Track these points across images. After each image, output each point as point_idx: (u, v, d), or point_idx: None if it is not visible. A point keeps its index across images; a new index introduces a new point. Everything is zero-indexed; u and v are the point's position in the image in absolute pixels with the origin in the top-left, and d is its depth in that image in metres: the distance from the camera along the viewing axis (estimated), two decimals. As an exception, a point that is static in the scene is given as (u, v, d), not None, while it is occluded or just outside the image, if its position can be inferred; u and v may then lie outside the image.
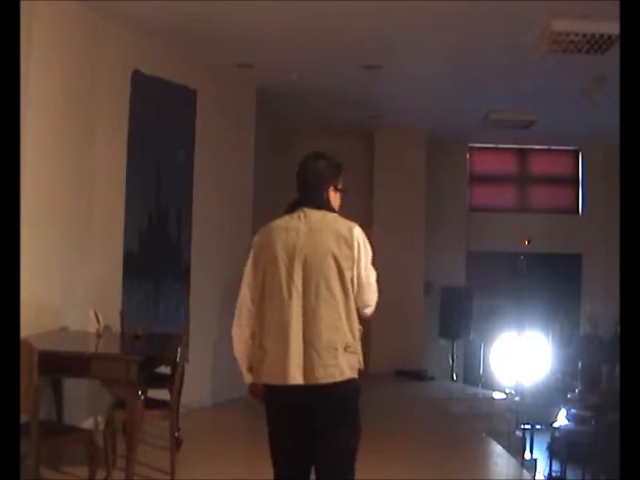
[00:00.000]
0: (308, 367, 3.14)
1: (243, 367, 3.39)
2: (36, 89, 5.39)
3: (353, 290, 3.25)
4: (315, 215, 3.35)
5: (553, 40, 6.13)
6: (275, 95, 8.76)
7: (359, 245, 3.30)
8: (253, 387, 3.36)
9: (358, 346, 3.24)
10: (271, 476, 3.33)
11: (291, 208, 3.42)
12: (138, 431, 4.63)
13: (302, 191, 3.49)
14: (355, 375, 3.23)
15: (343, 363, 3.17)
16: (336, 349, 3.16)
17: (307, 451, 3.24)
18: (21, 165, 4.30)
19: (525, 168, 12.24)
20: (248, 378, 3.37)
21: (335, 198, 3.50)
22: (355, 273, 3.27)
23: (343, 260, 3.24)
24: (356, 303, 3.27)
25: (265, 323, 3.27)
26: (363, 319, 3.34)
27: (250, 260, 3.40)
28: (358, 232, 3.32)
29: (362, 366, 3.26)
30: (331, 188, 3.52)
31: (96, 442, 4.34)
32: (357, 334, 3.25)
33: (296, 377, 3.14)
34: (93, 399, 5.92)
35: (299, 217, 3.35)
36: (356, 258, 3.28)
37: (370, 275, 3.34)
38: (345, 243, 3.27)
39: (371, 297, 3.34)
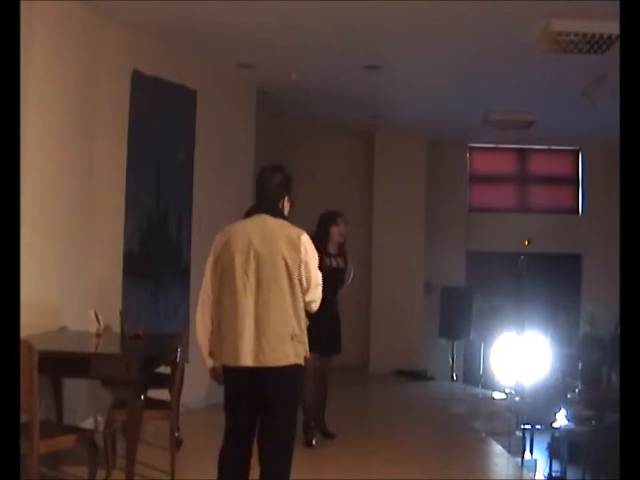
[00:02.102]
0: (258, 352, 3.72)
1: (205, 352, 3.96)
2: (36, 89, 5.39)
3: (300, 288, 3.81)
4: (270, 220, 3.91)
5: (553, 40, 6.13)
6: (275, 95, 8.77)
7: (305, 249, 3.84)
8: (213, 370, 3.96)
9: (304, 336, 3.84)
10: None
11: (250, 213, 4.01)
12: (138, 431, 4.64)
13: (260, 199, 4.03)
14: (300, 361, 3.83)
15: (289, 350, 3.76)
16: (283, 338, 3.75)
17: (252, 424, 3.84)
18: (21, 164, 4.30)
19: (525, 168, 12.24)
20: (209, 362, 3.95)
21: (286, 207, 4.07)
22: (303, 274, 3.81)
23: (291, 261, 3.78)
24: (304, 299, 3.84)
25: (223, 314, 3.84)
26: (308, 313, 3.95)
27: (210, 257, 4.02)
28: (305, 238, 3.87)
29: (307, 354, 3.86)
30: (285, 198, 4.05)
31: (96, 442, 4.33)
32: (304, 326, 3.84)
33: (247, 360, 3.73)
34: (93, 399, 5.93)
35: (256, 222, 3.92)
36: (303, 260, 3.81)
37: (318, 277, 3.90)
38: (294, 247, 3.81)
39: (317, 294, 3.92)
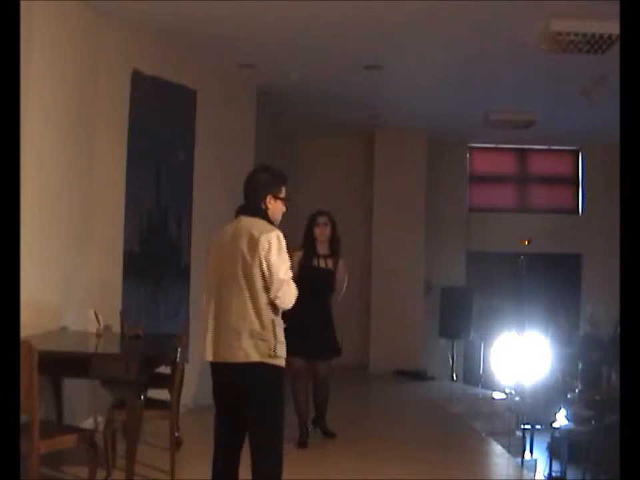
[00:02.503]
0: (218, 348, 3.86)
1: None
2: (36, 89, 5.39)
3: (264, 285, 3.81)
4: (244, 221, 3.96)
5: (553, 40, 6.13)
6: (275, 95, 8.77)
7: (265, 245, 3.81)
8: None
9: (268, 334, 3.81)
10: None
11: (235, 214, 4.06)
12: (138, 431, 4.64)
13: (244, 200, 4.07)
14: (266, 360, 3.80)
15: (248, 348, 3.78)
16: (240, 335, 3.79)
17: (230, 419, 4.00)
18: (21, 164, 4.30)
19: (525, 168, 12.24)
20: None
21: (275, 206, 4.03)
22: (266, 271, 3.80)
23: (250, 259, 3.81)
24: (268, 296, 3.82)
25: (201, 312, 4.03)
26: (290, 313, 3.99)
27: (204, 260, 4.18)
28: (267, 236, 3.83)
29: (272, 352, 3.81)
30: (268, 197, 4.00)
31: (96, 442, 4.33)
32: (267, 323, 3.82)
33: (208, 355, 3.92)
34: (93, 399, 5.93)
35: (234, 223, 4.01)
36: (263, 257, 3.80)
37: (280, 272, 3.83)
38: (253, 245, 3.82)
39: (281, 291, 3.83)
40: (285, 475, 3.95)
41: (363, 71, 7.83)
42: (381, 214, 11.07)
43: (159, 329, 6.73)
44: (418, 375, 10.49)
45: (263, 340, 3.81)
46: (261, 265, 3.80)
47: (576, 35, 6.03)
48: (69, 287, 5.92)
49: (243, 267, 3.83)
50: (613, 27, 5.74)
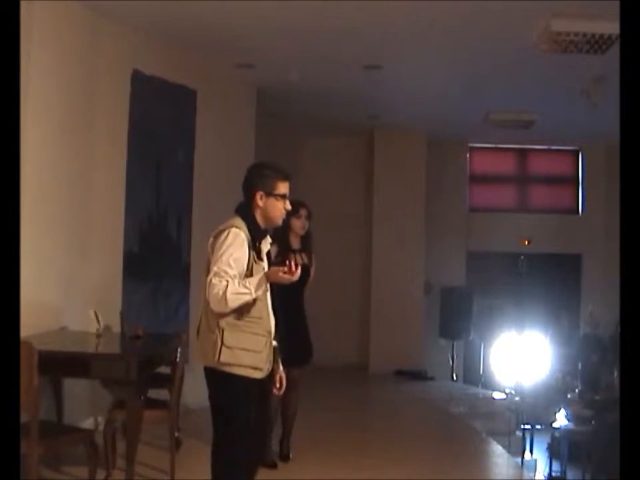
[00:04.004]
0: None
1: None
2: (35, 89, 5.39)
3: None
4: (226, 220, 3.70)
5: (553, 40, 6.13)
6: (275, 95, 8.77)
7: (210, 243, 3.63)
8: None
9: (213, 336, 3.57)
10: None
11: None
12: (138, 431, 4.63)
13: None
14: (209, 364, 3.61)
15: (196, 349, 3.70)
16: (197, 336, 3.70)
17: None
18: (21, 164, 4.30)
19: (525, 168, 12.24)
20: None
21: (269, 204, 3.75)
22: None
23: (205, 258, 3.67)
24: None
25: None
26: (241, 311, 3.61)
27: None
28: (223, 231, 3.60)
29: (216, 357, 3.56)
30: (259, 194, 3.74)
31: (96, 442, 4.33)
32: (213, 325, 3.58)
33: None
34: (93, 399, 5.92)
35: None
36: (210, 256, 3.62)
37: (211, 268, 3.55)
38: (211, 243, 3.64)
39: (209, 288, 3.53)
40: (286, 474, 3.94)
41: (362, 70, 7.83)
42: (381, 214, 11.07)
43: (159, 329, 6.72)
44: (418, 375, 10.49)
45: (205, 341, 3.63)
46: (208, 261, 3.63)
47: (576, 34, 6.03)
48: (69, 287, 5.92)
49: (206, 267, 3.67)
50: (613, 27, 5.74)
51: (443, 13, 6.09)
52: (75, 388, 5.54)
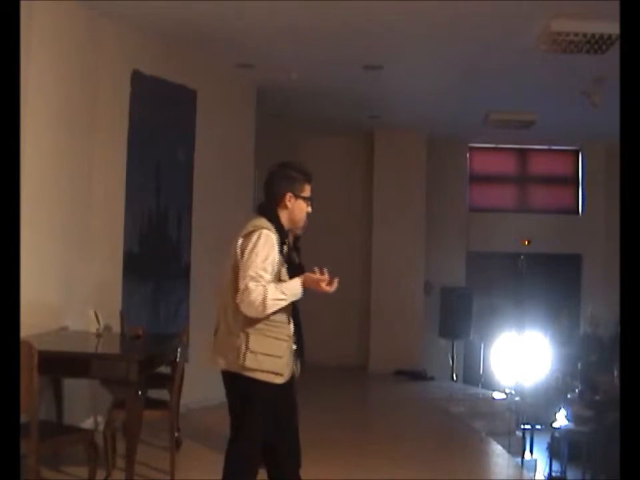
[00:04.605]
0: (213, 352, 3.70)
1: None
2: (35, 89, 5.39)
3: (236, 289, 3.51)
4: (249, 221, 3.67)
5: (553, 40, 6.13)
6: (275, 94, 8.77)
7: (239, 246, 3.56)
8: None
9: (237, 341, 3.53)
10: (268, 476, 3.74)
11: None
12: (138, 431, 4.63)
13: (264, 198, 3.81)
14: (231, 369, 3.56)
15: (217, 354, 3.63)
16: (222, 340, 3.62)
17: None
18: (21, 165, 4.30)
19: (525, 168, 12.24)
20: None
21: (296, 206, 3.73)
22: (240, 272, 3.52)
23: (230, 260, 3.59)
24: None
25: None
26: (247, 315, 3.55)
27: None
28: (252, 233, 3.55)
29: (240, 362, 3.52)
30: (288, 196, 3.70)
31: (96, 442, 4.33)
32: (237, 330, 3.54)
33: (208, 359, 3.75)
34: (93, 399, 5.92)
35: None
36: (238, 257, 3.55)
37: (243, 274, 3.49)
38: (236, 245, 3.58)
39: (240, 295, 3.48)
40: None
41: (362, 71, 7.82)
42: (381, 214, 11.07)
43: (159, 329, 6.73)
44: (418, 375, 10.50)
45: (231, 348, 3.56)
46: (235, 266, 3.56)
47: (576, 34, 6.03)
48: (69, 287, 5.92)
49: (230, 269, 3.60)
50: (613, 27, 5.74)
51: (443, 14, 6.09)
52: (75, 388, 5.54)
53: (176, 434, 5.24)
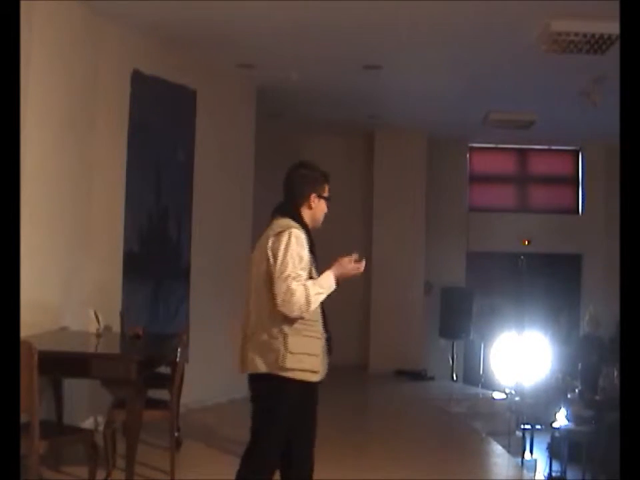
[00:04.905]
0: (242, 357, 3.66)
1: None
2: (36, 89, 5.39)
3: (272, 290, 3.50)
4: (275, 221, 3.66)
5: (553, 40, 6.13)
6: (275, 94, 8.76)
7: (270, 247, 3.54)
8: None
9: (275, 343, 3.51)
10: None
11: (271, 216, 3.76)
12: (138, 431, 4.63)
13: (283, 199, 3.80)
14: (273, 372, 3.51)
15: (254, 357, 3.56)
16: (250, 344, 3.59)
17: None
18: (21, 165, 4.30)
19: (525, 168, 12.24)
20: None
21: (318, 206, 3.78)
22: (273, 272, 3.50)
23: (262, 262, 3.56)
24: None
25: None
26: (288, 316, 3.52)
27: None
28: (282, 233, 3.54)
29: (280, 364, 3.50)
30: (312, 196, 3.75)
31: (96, 442, 4.33)
32: (275, 332, 3.52)
33: (237, 367, 3.70)
34: (93, 399, 5.92)
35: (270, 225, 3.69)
36: (270, 258, 3.53)
37: (279, 275, 3.48)
38: (266, 246, 3.56)
39: (277, 296, 3.48)
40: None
41: (362, 71, 7.83)
42: (381, 214, 11.07)
43: (159, 329, 6.73)
44: (418, 375, 10.50)
45: (266, 349, 3.54)
46: (268, 268, 3.54)
47: (576, 34, 6.03)
48: (69, 287, 5.92)
49: (260, 271, 3.59)
50: (613, 27, 5.74)
51: (443, 13, 6.09)
52: (75, 388, 5.54)
53: (176, 434, 5.24)
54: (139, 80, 6.78)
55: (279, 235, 3.56)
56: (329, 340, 3.74)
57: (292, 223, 3.63)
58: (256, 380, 3.62)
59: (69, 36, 5.89)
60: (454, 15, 6.10)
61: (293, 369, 3.53)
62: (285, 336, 3.52)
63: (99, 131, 6.36)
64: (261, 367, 3.54)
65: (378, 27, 6.53)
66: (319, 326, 3.67)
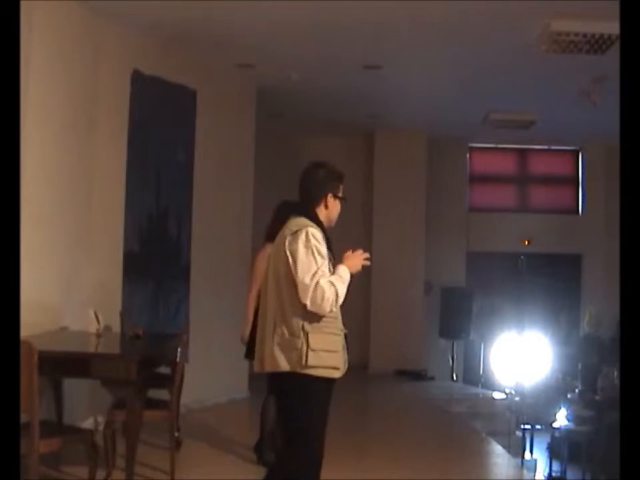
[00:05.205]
0: (261, 357, 3.66)
1: None
2: (36, 89, 5.39)
3: (293, 287, 3.53)
4: (290, 221, 3.70)
5: (553, 40, 6.13)
6: (275, 94, 8.76)
7: (288, 245, 3.57)
8: None
9: (298, 341, 3.51)
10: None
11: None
12: (138, 431, 4.63)
13: (299, 198, 3.83)
14: (296, 370, 3.52)
15: (277, 356, 3.54)
16: (272, 343, 3.56)
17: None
18: (22, 165, 4.30)
19: (525, 168, 12.24)
20: None
21: (333, 206, 3.83)
22: (293, 272, 3.53)
23: (280, 261, 3.59)
24: (299, 299, 3.52)
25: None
26: (318, 315, 3.55)
27: None
28: (299, 232, 3.57)
29: (303, 362, 3.51)
30: (329, 196, 3.79)
31: (96, 442, 4.33)
32: (297, 330, 3.52)
33: (255, 364, 3.74)
34: (93, 399, 5.93)
35: (286, 224, 3.72)
36: (289, 258, 3.55)
37: (304, 274, 3.52)
38: (283, 245, 3.59)
39: (305, 294, 3.50)
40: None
41: (362, 71, 7.83)
42: (381, 214, 11.07)
43: (159, 329, 6.73)
44: (418, 375, 10.49)
45: (290, 348, 3.54)
46: (288, 267, 3.55)
47: (576, 34, 6.03)
48: (69, 287, 5.92)
49: (277, 270, 3.61)
50: (613, 27, 5.74)
51: (443, 13, 6.09)
52: (75, 388, 5.54)
53: (176, 434, 5.24)
54: (138, 80, 6.78)
55: (295, 234, 3.59)
56: (346, 336, 3.75)
57: (307, 221, 3.66)
58: (278, 378, 3.63)
59: (69, 36, 5.89)
60: (454, 14, 6.10)
61: (316, 367, 3.54)
62: (306, 333, 3.53)
63: (99, 130, 6.36)
64: (284, 365, 3.54)
65: (378, 27, 6.54)
66: (339, 322, 3.68)
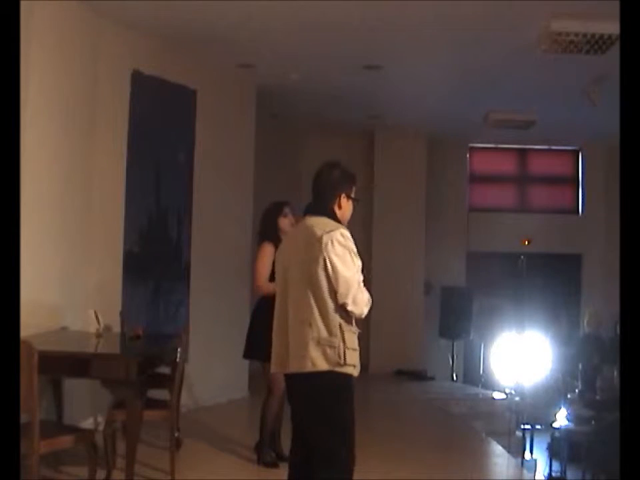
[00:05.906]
0: (285, 358, 3.64)
1: None
2: (36, 89, 5.39)
3: (329, 288, 3.57)
4: (308, 221, 3.73)
5: (553, 40, 6.13)
6: (275, 95, 8.77)
7: (325, 246, 3.56)
8: None
9: (336, 340, 3.55)
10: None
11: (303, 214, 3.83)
12: (138, 431, 4.63)
13: (312, 199, 3.83)
14: (335, 368, 3.54)
15: (315, 356, 3.52)
16: (307, 342, 3.54)
17: (298, 435, 3.74)
18: (21, 165, 4.30)
19: (525, 168, 12.25)
20: None
21: (347, 206, 3.83)
22: (330, 271, 3.56)
23: (311, 262, 3.58)
24: (337, 299, 3.58)
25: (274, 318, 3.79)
26: (352, 314, 3.67)
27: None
28: (333, 233, 3.59)
29: (341, 360, 3.53)
30: (341, 196, 3.79)
31: (96, 442, 4.33)
32: (335, 329, 3.56)
33: (276, 366, 3.74)
34: (93, 399, 5.92)
35: (300, 224, 3.80)
36: (325, 258, 3.56)
37: (343, 272, 3.59)
38: (313, 246, 3.58)
39: (345, 292, 3.60)
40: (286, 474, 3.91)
41: (362, 70, 7.83)
42: (381, 214, 11.07)
43: (159, 329, 6.73)
44: (418, 375, 10.49)
45: (328, 346, 3.55)
46: (324, 267, 3.56)
47: (576, 35, 6.03)
48: (69, 287, 5.92)
49: (307, 270, 3.60)
50: (613, 27, 5.75)
51: (443, 13, 6.09)
52: (75, 388, 5.54)
53: (176, 434, 5.24)
54: (138, 80, 6.78)
55: (329, 234, 3.60)
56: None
57: (332, 221, 3.70)
58: (310, 379, 3.58)
59: (69, 36, 5.89)
60: (454, 15, 6.10)
61: (350, 365, 3.60)
62: (342, 332, 3.58)
63: (99, 131, 6.36)
64: (320, 364, 3.54)
65: (378, 27, 6.53)
66: (355, 322, 3.76)
